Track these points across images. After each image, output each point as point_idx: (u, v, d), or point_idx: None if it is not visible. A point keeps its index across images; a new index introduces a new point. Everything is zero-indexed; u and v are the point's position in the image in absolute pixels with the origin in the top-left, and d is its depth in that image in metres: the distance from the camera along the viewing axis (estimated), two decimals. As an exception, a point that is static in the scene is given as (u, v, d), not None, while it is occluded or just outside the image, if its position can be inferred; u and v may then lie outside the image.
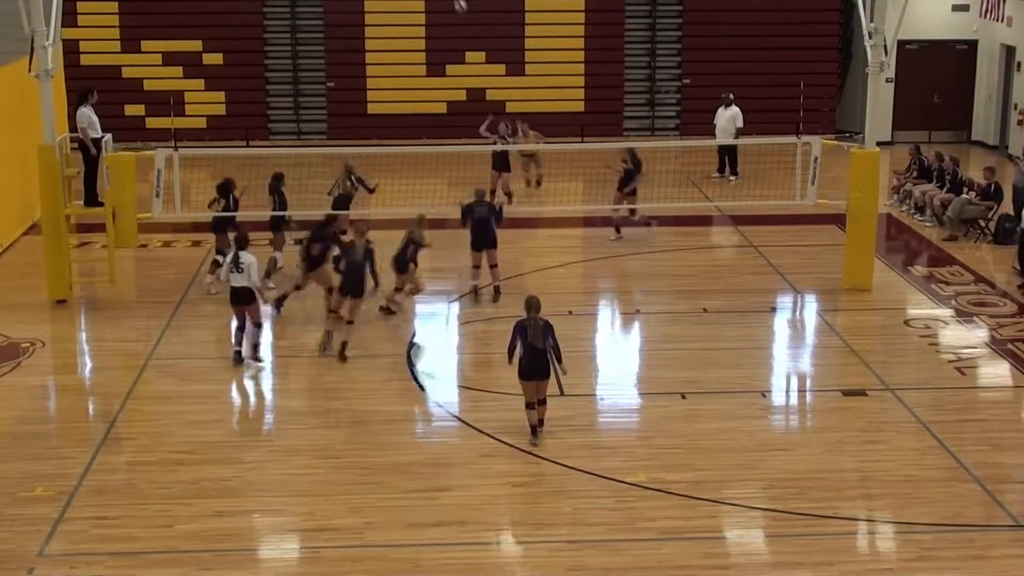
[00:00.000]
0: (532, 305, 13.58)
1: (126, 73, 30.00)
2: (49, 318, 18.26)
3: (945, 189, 23.18)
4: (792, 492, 12.76)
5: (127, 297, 19.32)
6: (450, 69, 30.54)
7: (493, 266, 18.65)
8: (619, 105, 31.16)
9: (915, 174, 24.66)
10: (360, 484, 12.94)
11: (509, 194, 23.85)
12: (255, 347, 16.15)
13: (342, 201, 19.82)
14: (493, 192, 23.42)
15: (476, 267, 18.68)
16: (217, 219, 19.11)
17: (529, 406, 13.75)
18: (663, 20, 31.19)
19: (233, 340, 16.40)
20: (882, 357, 16.72)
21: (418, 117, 30.12)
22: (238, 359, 16.17)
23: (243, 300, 16.07)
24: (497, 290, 18.62)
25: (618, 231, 21.90)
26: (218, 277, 18.23)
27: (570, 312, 18.23)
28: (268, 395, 15.87)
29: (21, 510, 12.36)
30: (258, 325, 16.16)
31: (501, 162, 23.95)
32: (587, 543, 11.80)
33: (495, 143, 23.83)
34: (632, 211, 21.82)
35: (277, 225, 19.65)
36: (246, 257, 15.91)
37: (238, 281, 15.96)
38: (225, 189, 19.22)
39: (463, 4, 12.22)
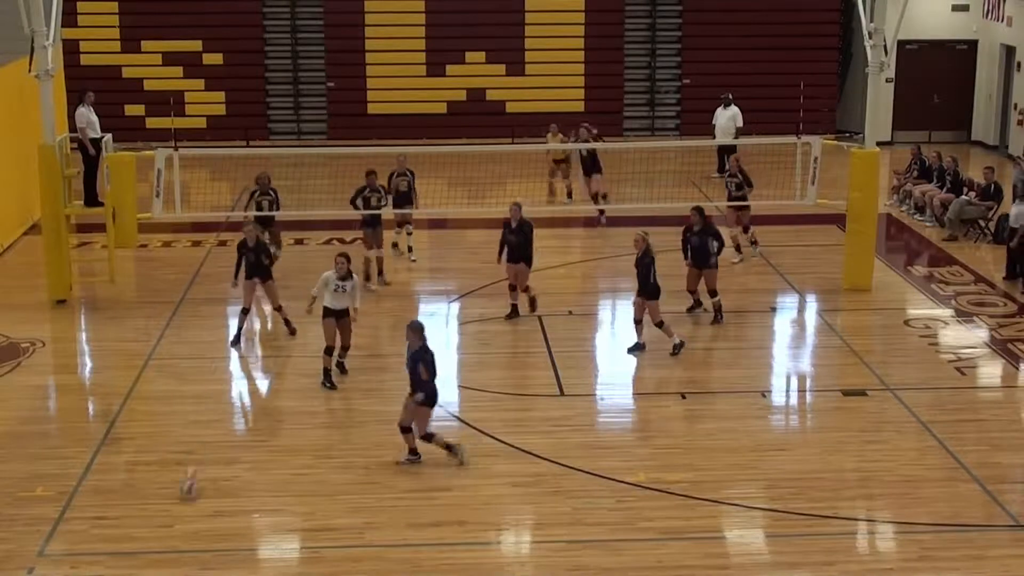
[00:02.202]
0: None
1: (126, 73, 30.01)
2: (49, 318, 18.26)
3: (945, 189, 23.19)
4: (792, 492, 12.76)
5: (127, 297, 19.32)
6: (450, 69, 30.55)
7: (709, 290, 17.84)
8: (619, 105, 31.17)
9: (915, 174, 24.66)
10: (360, 484, 12.94)
11: (604, 195, 23.14)
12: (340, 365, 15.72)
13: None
14: (594, 197, 22.89)
15: (692, 291, 18.02)
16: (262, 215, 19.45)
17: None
18: (663, 20, 31.20)
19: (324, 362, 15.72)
20: (882, 357, 16.72)
21: (418, 117, 30.13)
22: (328, 377, 15.57)
23: (339, 316, 15.44)
24: (698, 303, 18.13)
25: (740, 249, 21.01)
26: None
27: (570, 312, 18.25)
28: (268, 395, 15.86)
29: (21, 510, 12.36)
30: (345, 348, 15.62)
31: (590, 166, 23.03)
32: (587, 543, 11.80)
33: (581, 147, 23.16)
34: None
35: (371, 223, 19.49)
36: (348, 282, 15.34)
37: (342, 302, 15.36)
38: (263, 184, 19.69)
39: (191, 489, 12.37)
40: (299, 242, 21.54)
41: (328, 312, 15.41)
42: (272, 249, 18.45)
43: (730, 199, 20.90)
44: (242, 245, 17.09)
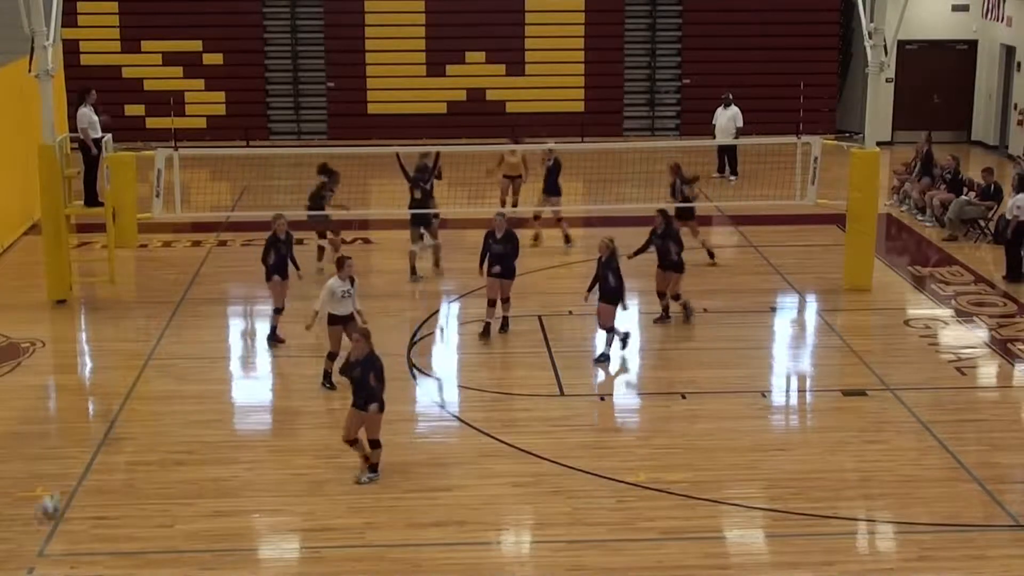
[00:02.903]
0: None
1: (126, 73, 30.01)
2: (49, 318, 18.26)
3: (945, 189, 23.19)
4: (792, 492, 12.77)
5: (127, 297, 19.32)
6: (450, 69, 30.55)
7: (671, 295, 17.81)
8: (619, 105, 31.17)
9: (916, 167, 24.51)
10: (360, 484, 12.93)
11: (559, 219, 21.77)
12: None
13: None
14: (559, 221, 21.54)
15: (661, 294, 17.88)
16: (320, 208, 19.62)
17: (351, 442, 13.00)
18: (663, 20, 31.20)
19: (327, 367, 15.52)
20: (882, 357, 16.72)
21: (418, 117, 30.12)
22: (328, 378, 15.46)
23: (346, 323, 15.16)
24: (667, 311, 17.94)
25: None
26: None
27: (570, 312, 18.24)
28: (268, 395, 15.86)
29: (21, 510, 12.34)
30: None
31: (550, 188, 21.56)
32: (587, 543, 11.80)
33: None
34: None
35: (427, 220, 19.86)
36: (352, 287, 15.16)
37: (347, 308, 15.13)
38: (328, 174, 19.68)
39: (44, 512, 11.57)
40: (299, 242, 21.45)
41: (335, 319, 15.16)
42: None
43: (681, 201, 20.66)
44: (273, 239, 16.78)
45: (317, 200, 19.67)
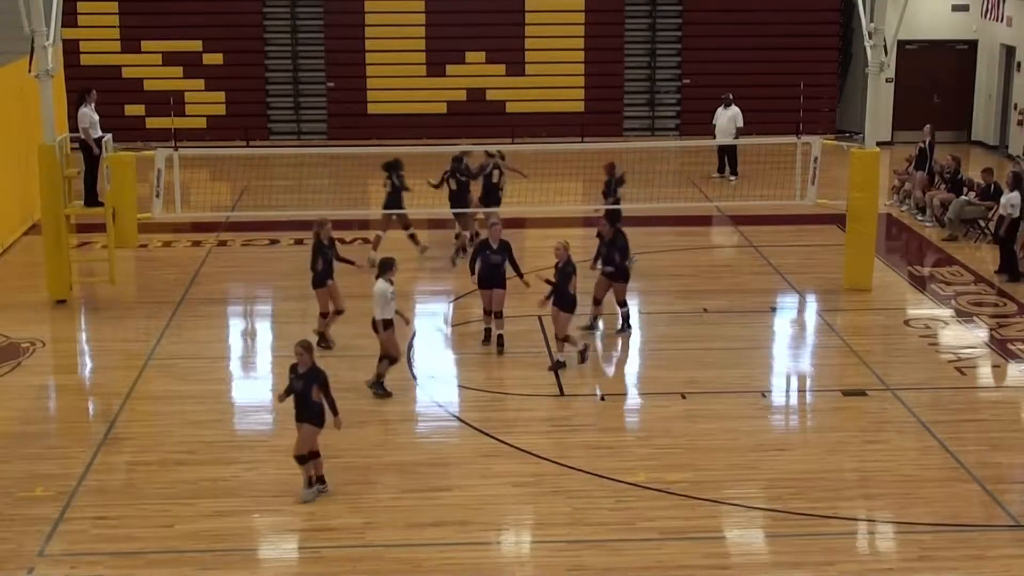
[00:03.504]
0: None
1: (126, 73, 30.01)
2: (49, 318, 18.26)
3: (945, 188, 23.19)
4: (792, 492, 12.77)
5: (127, 297, 19.32)
6: (450, 69, 30.56)
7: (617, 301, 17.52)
8: (619, 105, 31.18)
9: (914, 162, 24.47)
10: (360, 484, 12.94)
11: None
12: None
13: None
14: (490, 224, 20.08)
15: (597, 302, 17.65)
16: (389, 201, 20.28)
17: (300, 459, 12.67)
18: (663, 20, 31.21)
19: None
20: (882, 357, 16.73)
21: (418, 117, 30.14)
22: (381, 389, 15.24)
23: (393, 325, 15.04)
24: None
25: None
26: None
27: (570, 312, 18.23)
28: (268, 395, 15.85)
29: (21, 510, 12.37)
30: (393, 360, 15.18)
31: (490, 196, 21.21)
32: (587, 543, 11.80)
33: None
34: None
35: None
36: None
37: (393, 310, 14.88)
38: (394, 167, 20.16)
39: None
40: (299, 242, 21.51)
41: (388, 324, 14.83)
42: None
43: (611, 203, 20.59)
44: (318, 245, 16.56)
45: (400, 192, 20.23)
